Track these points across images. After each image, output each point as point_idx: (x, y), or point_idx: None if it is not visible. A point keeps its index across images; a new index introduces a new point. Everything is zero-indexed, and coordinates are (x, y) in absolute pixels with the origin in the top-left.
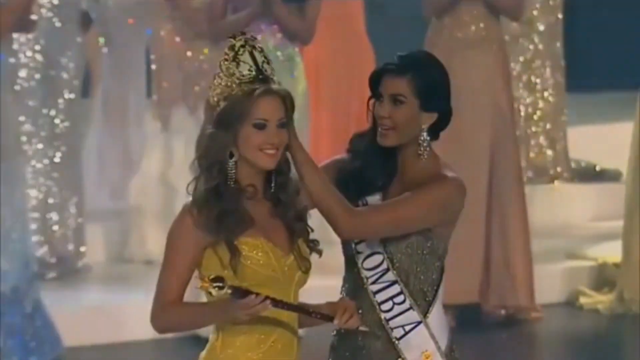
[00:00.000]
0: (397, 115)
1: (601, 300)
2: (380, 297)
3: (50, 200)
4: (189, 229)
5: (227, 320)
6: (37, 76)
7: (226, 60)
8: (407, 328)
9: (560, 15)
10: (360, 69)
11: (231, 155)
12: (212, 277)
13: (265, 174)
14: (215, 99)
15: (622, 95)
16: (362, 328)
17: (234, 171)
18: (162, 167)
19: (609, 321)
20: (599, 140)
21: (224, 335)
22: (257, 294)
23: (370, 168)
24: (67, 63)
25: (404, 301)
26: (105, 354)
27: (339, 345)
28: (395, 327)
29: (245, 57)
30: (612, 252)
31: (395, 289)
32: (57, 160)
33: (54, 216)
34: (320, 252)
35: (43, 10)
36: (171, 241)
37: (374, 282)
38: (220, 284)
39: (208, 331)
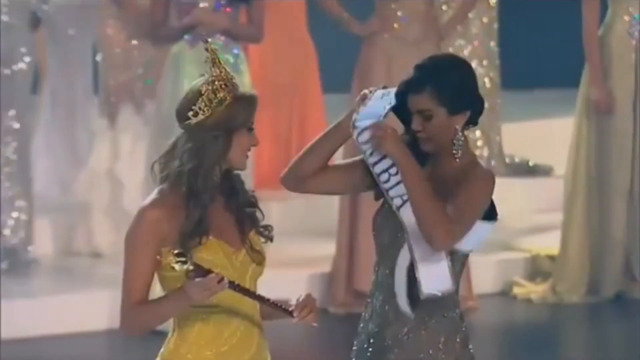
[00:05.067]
0: (429, 129)
1: (534, 290)
2: (378, 168)
3: (0, 194)
4: (150, 226)
5: (187, 303)
6: None
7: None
8: (405, 197)
9: (495, 15)
10: (301, 66)
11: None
12: (176, 252)
13: None
14: (205, 106)
15: (554, 93)
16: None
17: (218, 179)
18: (109, 163)
19: (541, 310)
20: (532, 136)
21: (180, 329)
22: (217, 273)
23: None
24: (20, 60)
25: (397, 173)
26: (53, 345)
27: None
28: (395, 197)
29: (217, 60)
30: (544, 244)
31: (388, 162)
32: (7, 155)
33: (4, 209)
34: (271, 238)
35: None
36: (131, 243)
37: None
38: (184, 259)
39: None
